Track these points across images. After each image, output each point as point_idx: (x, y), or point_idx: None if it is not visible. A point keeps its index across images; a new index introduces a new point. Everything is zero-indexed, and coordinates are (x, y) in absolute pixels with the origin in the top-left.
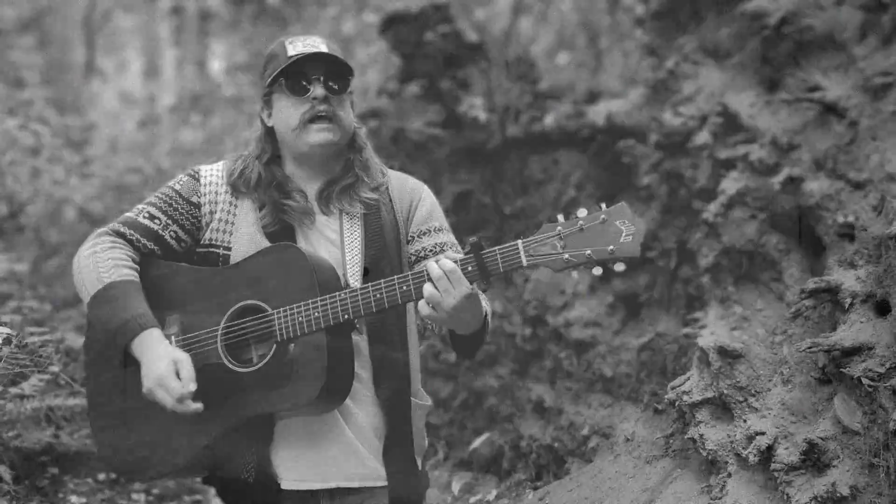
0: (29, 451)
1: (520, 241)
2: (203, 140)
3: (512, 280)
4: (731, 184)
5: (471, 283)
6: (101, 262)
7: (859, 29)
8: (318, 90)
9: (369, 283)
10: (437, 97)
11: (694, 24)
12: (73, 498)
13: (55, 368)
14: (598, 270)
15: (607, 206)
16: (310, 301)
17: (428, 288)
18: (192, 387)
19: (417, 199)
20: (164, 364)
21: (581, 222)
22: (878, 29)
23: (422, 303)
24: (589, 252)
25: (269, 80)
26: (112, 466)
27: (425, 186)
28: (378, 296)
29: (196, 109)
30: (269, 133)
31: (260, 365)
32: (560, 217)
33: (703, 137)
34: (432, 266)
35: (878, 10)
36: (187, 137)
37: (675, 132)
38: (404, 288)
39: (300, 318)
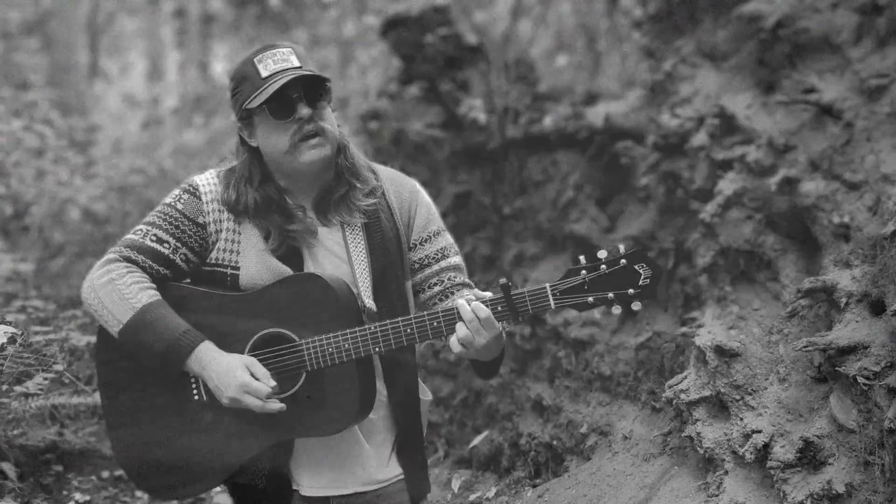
0: (33, 448)
1: (548, 285)
2: (205, 141)
3: (512, 280)
4: (728, 184)
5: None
6: (125, 288)
7: (855, 31)
8: (303, 110)
9: (399, 318)
10: (437, 99)
11: (691, 26)
12: (77, 495)
13: (59, 367)
14: (616, 309)
15: (626, 251)
16: (339, 333)
17: (461, 329)
18: (273, 383)
19: (416, 203)
20: (240, 369)
21: (603, 267)
22: (874, 31)
23: (453, 340)
24: (611, 295)
25: (248, 104)
26: (146, 490)
27: (419, 187)
28: (409, 331)
29: (198, 111)
30: (254, 153)
31: (289, 393)
32: (582, 259)
33: (700, 139)
34: (465, 310)
35: (874, 12)
36: (190, 138)
37: (673, 133)
38: (434, 324)
39: (330, 349)
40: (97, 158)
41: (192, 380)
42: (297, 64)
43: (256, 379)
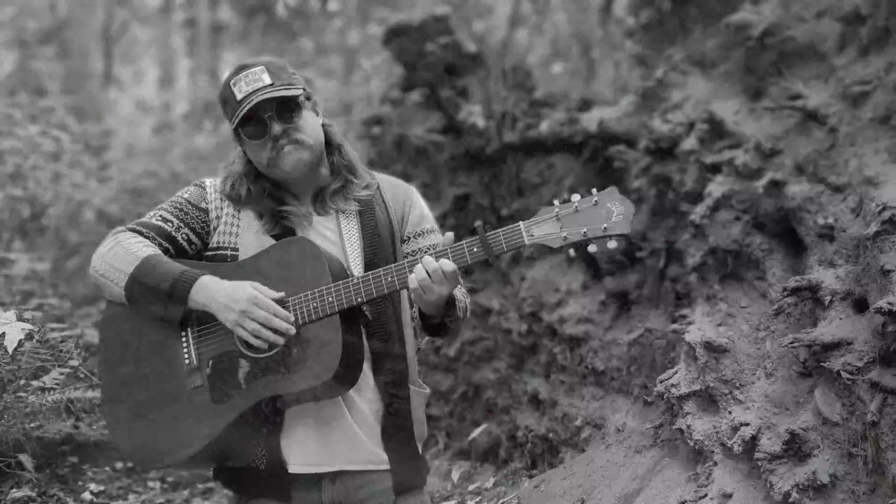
0: (50, 440)
1: (521, 223)
2: (215, 145)
3: (509, 279)
4: (717, 187)
5: (477, 262)
6: (130, 246)
7: (839, 40)
8: (274, 128)
9: (380, 268)
10: (438, 105)
11: (681, 35)
12: (92, 485)
13: (75, 362)
14: (592, 248)
15: (599, 190)
16: (323, 287)
17: (421, 272)
18: (281, 293)
19: (410, 202)
20: (248, 285)
21: (576, 204)
22: (857, 40)
23: (412, 277)
24: (584, 230)
25: (231, 125)
26: (130, 458)
27: (414, 188)
28: (389, 278)
29: (208, 116)
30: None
31: (276, 349)
32: (556, 201)
33: (690, 143)
34: (428, 260)
35: (857, 21)
36: (200, 143)
37: (664, 138)
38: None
39: (314, 304)
40: (111, 162)
41: (184, 344)
42: (268, 82)
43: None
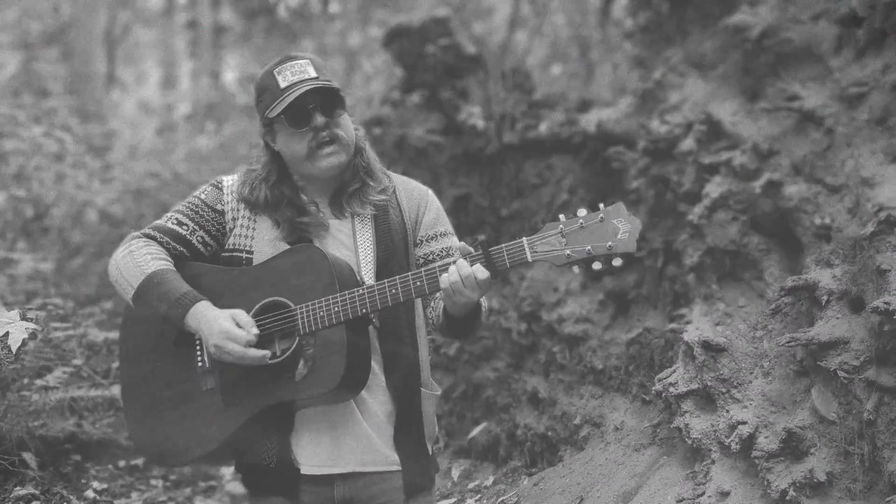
0: (53, 439)
1: (524, 239)
2: (217, 146)
3: (508, 278)
4: (715, 188)
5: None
6: (139, 258)
7: (835, 42)
8: (317, 119)
9: (385, 280)
10: (438, 106)
11: (680, 37)
12: (95, 483)
13: (78, 362)
14: (597, 265)
15: (605, 206)
16: (330, 297)
17: (455, 275)
18: (255, 331)
19: (425, 205)
20: (224, 319)
21: (581, 221)
22: (853, 42)
23: (444, 277)
24: (589, 248)
25: (268, 113)
26: (146, 454)
27: (430, 191)
28: (394, 291)
29: (210, 118)
30: (276, 156)
31: (284, 357)
32: (562, 216)
33: (688, 144)
34: (463, 265)
35: (853, 24)
36: (202, 144)
37: (662, 139)
38: (417, 283)
39: (321, 313)
40: (114, 163)
41: (198, 347)
42: (313, 75)
43: (240, 328)
